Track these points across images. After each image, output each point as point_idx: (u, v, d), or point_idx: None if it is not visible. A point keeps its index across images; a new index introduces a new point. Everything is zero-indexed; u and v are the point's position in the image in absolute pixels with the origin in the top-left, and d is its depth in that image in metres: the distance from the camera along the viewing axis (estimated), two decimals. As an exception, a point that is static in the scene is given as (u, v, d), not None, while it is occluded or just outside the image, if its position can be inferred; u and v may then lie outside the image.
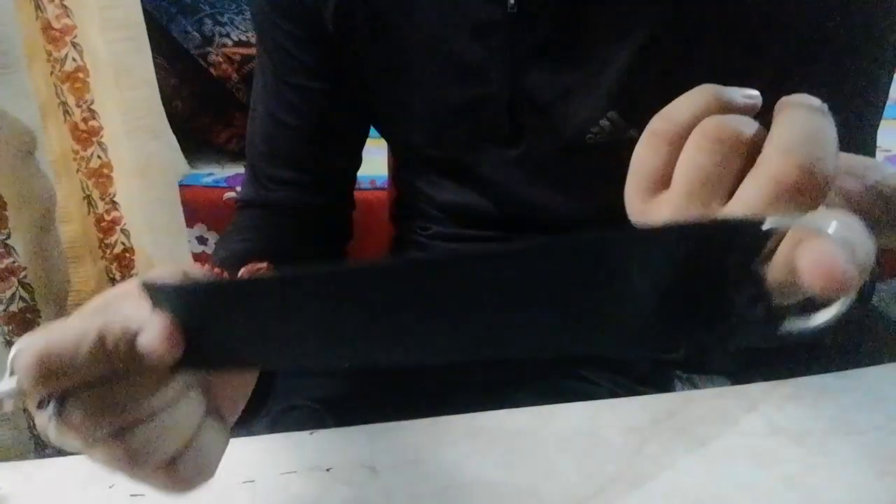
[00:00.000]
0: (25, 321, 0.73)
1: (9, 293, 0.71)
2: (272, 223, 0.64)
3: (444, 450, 0.47)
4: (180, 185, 1.26)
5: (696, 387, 0.63)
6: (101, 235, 0.83)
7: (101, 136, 0.81)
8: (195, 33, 1.34)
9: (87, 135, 0.78)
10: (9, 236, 0.71)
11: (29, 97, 0.74)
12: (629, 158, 0.52)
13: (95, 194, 0.83)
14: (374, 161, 1.34)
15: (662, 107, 0.49)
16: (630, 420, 0.50)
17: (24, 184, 0.73)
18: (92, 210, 0.83)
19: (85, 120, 0.78)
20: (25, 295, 0.72)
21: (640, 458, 0.46)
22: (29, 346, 0.28)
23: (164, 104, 1.25)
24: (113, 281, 0.84)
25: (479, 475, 0.45)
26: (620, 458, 0.46)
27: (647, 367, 0.66)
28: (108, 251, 0.84)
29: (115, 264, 0.84)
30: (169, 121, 1.25)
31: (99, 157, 0.81)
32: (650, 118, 0.50)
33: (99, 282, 0.82)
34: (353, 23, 0.56)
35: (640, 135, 0.50)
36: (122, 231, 0.84)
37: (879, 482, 0.44)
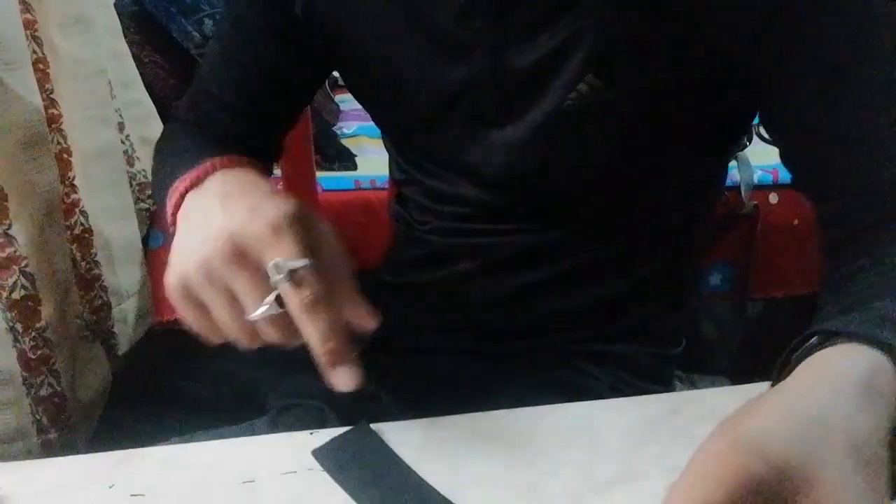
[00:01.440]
0: (27, 308, 0.74)
1: (10, 281, 0.72)
2: (201, 137, 0.64)
3: (445, 450, 0.47)
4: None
5: (696, 387, 0.63)
6: (63, 217, 0.85)
7: (61, 124, 0.83)
8: (195, 33, 1.34)
9: (48, 122, 0.80)
10: (10, 227, 0.72)
11: (33, 92, 0.74)
12: (609, 120, 0.53)
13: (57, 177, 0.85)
14: (374, 161, 1.35)
15: (636, 66, 0.51)
16: (630, 420, 0.50)
17: (26, 175, 0.74)
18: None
19: (46, 108, 0.79)
20: (27, 283, 0.74)
21: (640, 458, 0.46)
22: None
23: (164, 104, 1.25)
24: (74, 262, 0.86)
25: (479, 475, 0.45)
26: (620, 458, 0.46)
27: (647, 363, 0.66)
28: (70, 232, 0.86)
29: (75, 244, 0.86)
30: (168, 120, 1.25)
31: (59, 142, 0.83)
32: (625, 77, 0.51)
33: (62, 261, 0.84)
34: (321, 10, 0.57)
35: (615, 96, 0.52)
36: (81, 213, 0.86)
37: (879, 482, 0.44)
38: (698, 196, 0.64)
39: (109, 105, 0.95)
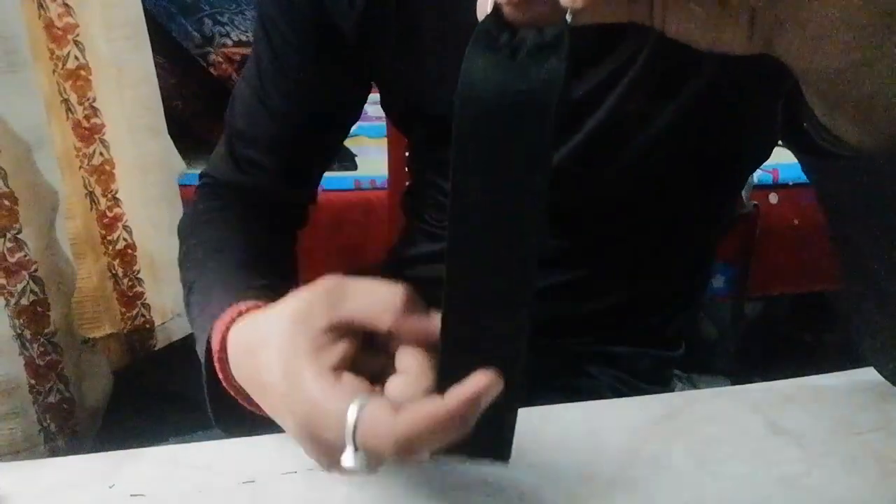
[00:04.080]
0: (36, 314, 0.74)
1: (20, 286, 0.72)
2: (239, 208, 0.62)
3: (444, 450, 0.47)
4: (179, 185, 1.26)
5: (696, 387, 0.63)
6: (104, 232, 0.84)
7: (104, 134, 0.83)
8: (195, 33, 1.34)
9: (89, 132, 0.79)
10: (20, 231, 0.71)
11: (36, 96, 0.74)
12: (647, 138, 0.51)
13: (98, 191, 0.84)
14: (374, 161, 1.35)
15: (685, 79, 0.49)
16: (630, 420, 0.50)
17: (33, 180, 0.74)
18: (94, 206, 0.84)
19: (87, 117, 0.79)
20: (36, 289, 0.73)
21: (640, 458, 0.46)
22: (380, 424, 0.30)
23: (164, 104, 1.25)
24: (115, 277, 0.85)
25: (479, 475, 0.45)
26: (620, 458, 0.46)
27: (648, 365, 0.66)
28: (111, 247, 0.85)
29: (117, 260, 0.85)
30: (169, 121, 1.25)
31: (101, 154, 0.82)
32: (671, 92, 0.49)
33: (101, 278, 0.83)
34: (378, 30, 0.56)
35: (661, 112, 0.50)
36: (124, 227, 0.85)
37: (879, 482, 0.44)
38: (717, 212, 0.64)
39: (158, 113, 0.92)
